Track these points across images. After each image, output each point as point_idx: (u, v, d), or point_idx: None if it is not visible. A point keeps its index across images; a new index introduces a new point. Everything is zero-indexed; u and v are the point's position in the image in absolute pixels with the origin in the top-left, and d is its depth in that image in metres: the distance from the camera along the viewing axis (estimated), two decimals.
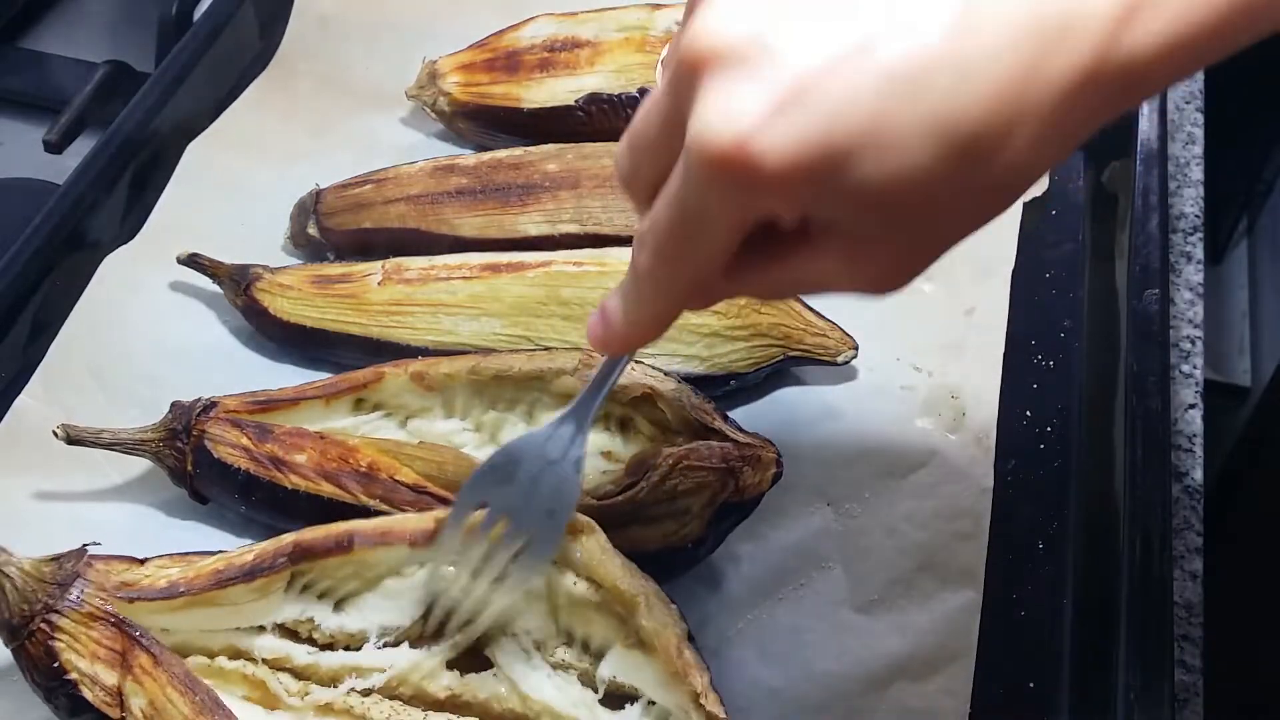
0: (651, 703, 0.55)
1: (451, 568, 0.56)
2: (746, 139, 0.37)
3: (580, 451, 0.54)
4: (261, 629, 0.57)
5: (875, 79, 0.36)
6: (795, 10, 0.37)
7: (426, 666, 0.57)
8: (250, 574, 0.55)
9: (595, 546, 0.56)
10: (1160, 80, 0.38)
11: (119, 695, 0.52)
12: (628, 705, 0.56)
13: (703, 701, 0.52)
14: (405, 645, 0.57)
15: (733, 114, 0.37)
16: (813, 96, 0.36)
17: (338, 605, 0.57)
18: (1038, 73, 0.36)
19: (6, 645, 0.54)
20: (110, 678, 0.52)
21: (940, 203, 0.38)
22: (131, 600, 0.54)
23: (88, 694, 0.52)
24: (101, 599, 0.53)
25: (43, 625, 0.53)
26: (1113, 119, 0.39)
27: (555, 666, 0.57)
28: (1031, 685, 0.61)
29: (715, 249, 0.41)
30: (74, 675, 0.52)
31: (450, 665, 0.57)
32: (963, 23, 0.36)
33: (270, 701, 0.56)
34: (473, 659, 0.58)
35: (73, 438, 0.62)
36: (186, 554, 0.57)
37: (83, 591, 0.53)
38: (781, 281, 0.43)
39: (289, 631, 0.57)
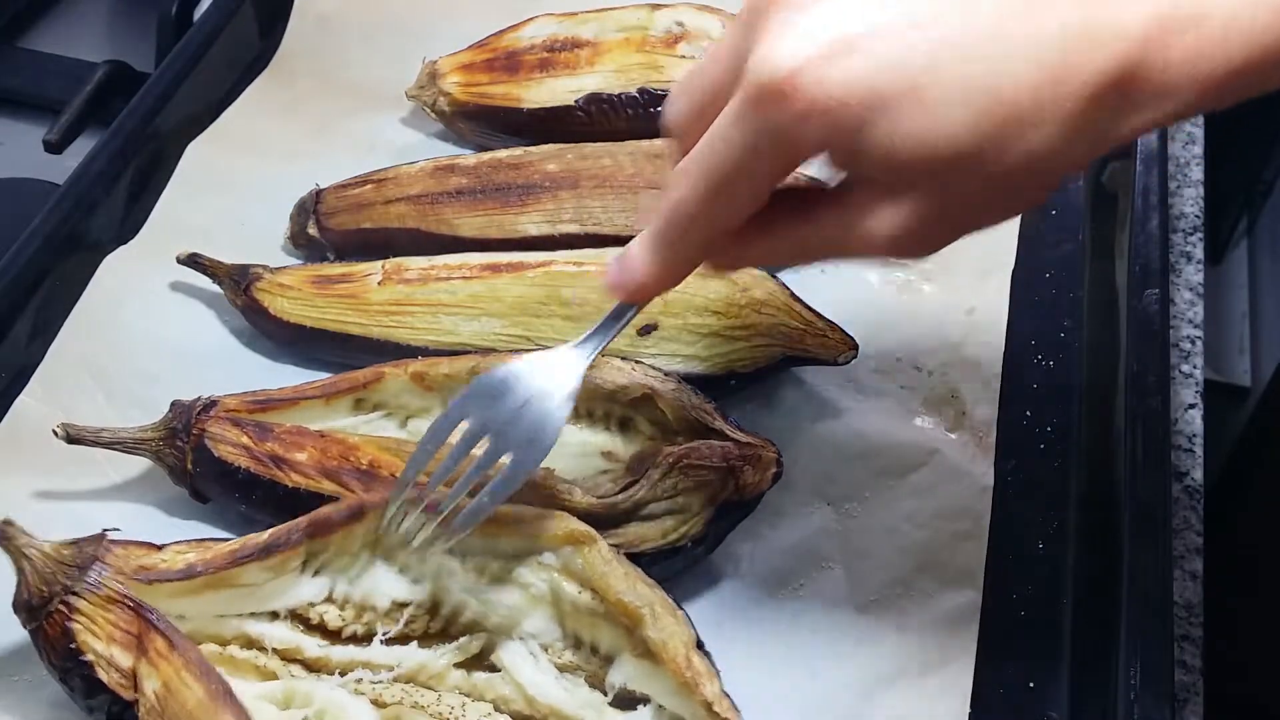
0: (662, 706, 0.55)
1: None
2: (799, 71, 0.40)
3: (575, 384, 0.54)
4: (275, 615, 0.57)
5: (929, 42, 0.40)
6: None
7: (434, 668, 0.57)
8: (266, 550, 0.55)
9: (597, 558, 0.56)
10: (1185, 101, 0.41)
11: (133, 677, 0.52)
12: (640, 707, 0.55)
13: (716, 709, 0.52)
14: (414, 645, 0.57)
15: (791, 50, 0.40)
16: (868, 46, 0.40)
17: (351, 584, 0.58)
18: (1073, 68, 0.39)
19: (24, 626, 0.54)
20: (125, 660, 0.53)
21: (966, 172, 0.41)
22: (149, 582, 0.54)
23: (103, 675, 0.52)
24: (119, 582, 0.54)
25: (61, 606, 0.53)
26: (1138, 133, 0.41)
27: (563, 668, 0.57)
28: (1031, 685, 0.61)
29: (756, 184, 0.44)
30: (90, 656, 0.52)
31: (457, 666, 0.57)
32: (1018, 9, 0.40)
33: None
34: (479, 663, 0.58)
35: (73, 437, 0.62)
36: (203, 540, 0.58)
37: (101, 574, 0.54)
38: (808, 239, 0.46)
39: (301, 620, 0.57)
